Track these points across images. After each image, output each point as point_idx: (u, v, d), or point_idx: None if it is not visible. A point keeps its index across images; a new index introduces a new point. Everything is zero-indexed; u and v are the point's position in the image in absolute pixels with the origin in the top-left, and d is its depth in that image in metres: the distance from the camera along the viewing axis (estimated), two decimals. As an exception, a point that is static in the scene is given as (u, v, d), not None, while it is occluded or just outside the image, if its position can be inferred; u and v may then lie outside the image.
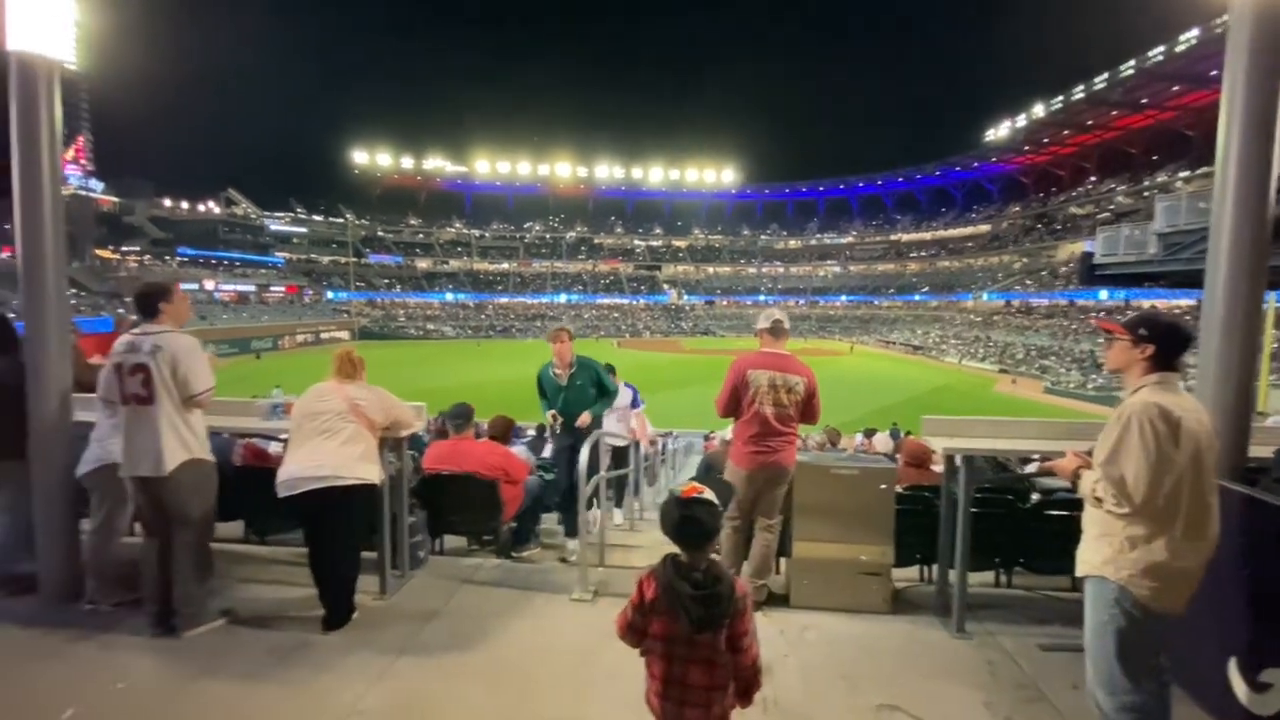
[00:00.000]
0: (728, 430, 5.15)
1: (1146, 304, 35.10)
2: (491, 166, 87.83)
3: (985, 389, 35.64)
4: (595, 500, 4.38)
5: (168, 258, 60.05)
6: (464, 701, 2.66)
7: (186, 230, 65.54)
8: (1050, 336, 44.23)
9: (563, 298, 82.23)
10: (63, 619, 3.19)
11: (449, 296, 79.01)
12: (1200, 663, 2.53)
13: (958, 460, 3.26)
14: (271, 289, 64.82)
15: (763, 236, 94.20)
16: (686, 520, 1.70)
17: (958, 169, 75.14)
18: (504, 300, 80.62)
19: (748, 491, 3.56)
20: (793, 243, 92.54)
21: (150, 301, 3.09)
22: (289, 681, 2.76)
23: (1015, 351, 44.34)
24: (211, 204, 71.13)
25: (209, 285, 56.65)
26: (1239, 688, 2.37)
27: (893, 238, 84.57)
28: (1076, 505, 2.58)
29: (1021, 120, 55.38)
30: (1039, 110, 52.98)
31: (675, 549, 1.76)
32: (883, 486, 3.52)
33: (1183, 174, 43.90)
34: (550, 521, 5.14)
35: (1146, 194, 44.86)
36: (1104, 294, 43.50)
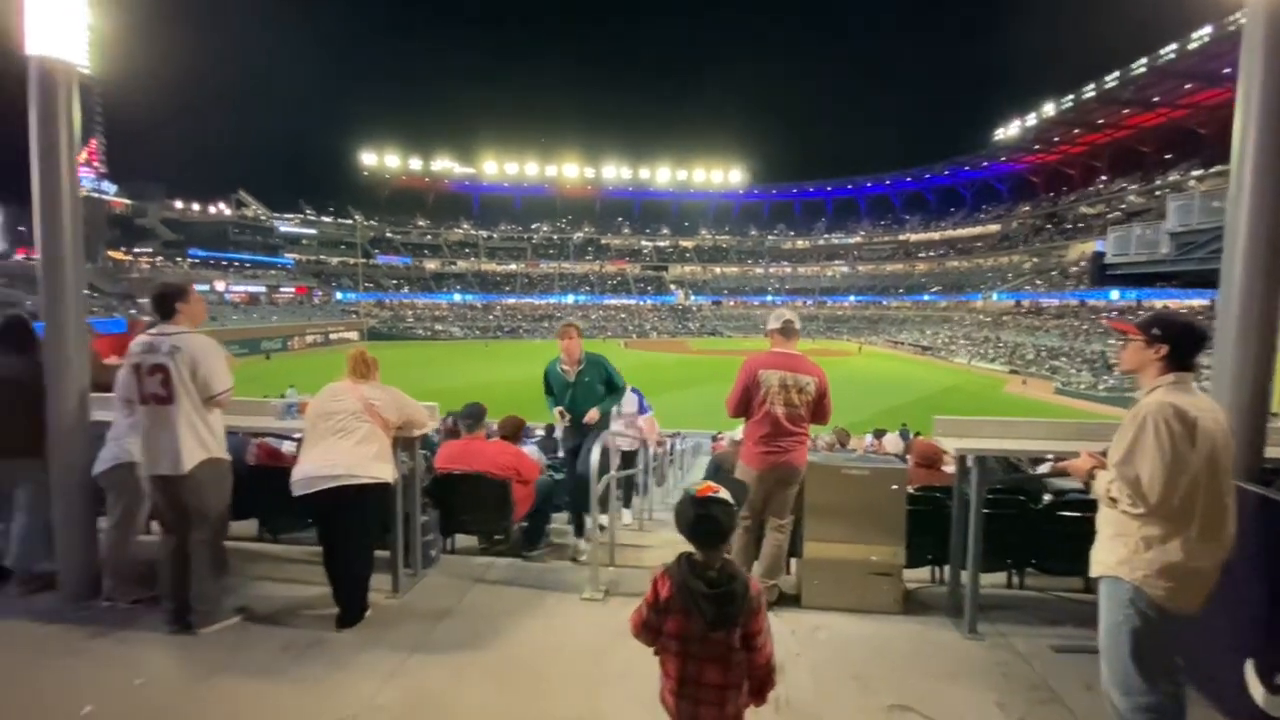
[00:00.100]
0: (737, 430, 5.15)
1: (1159, 304, 34.80)
2: (499, 168, 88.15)
3: (995, 390, 35.41)
4: (605, 503, 4.36)
5: (179, 259, 60.62)
6: (477, 700, 2.68)
7: (197, 232, 66.19)
8: (1061, 337, 43.91)
9: (570, 298, 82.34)
10: (81, 616, 3.24)
11: (457, 297, 79.32)
12: (1216, 664, 2.51)
13: (969, 461, 3.25)
14: (281, 290, 65.31)
15: (770, 237, 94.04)
16: (703, 519, 1.71)
17: (967, 168, 74.78)
18: (511, 301, 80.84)
19: (759, 491, 3.56)
20: (800, 243, 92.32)
21: (166, 302, 3.12)
22: (304, 678, 2.78)
23: (1025, 352, 44.04)
24: (222, 206, 71.78)
25: (219, 286, 57.11)
26: (1255, 689, 2.35)
27: (901, 238, 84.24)
28: (1089, 506, 2.56)
29: (1032, 119, 55.06)
30: (1049, 109, 52.65)
31: (684, 549, 1.77)
32: (894, 487, 3.52)
33: (1195, 173, 43.44)
34: (560, 521, 5.15)
35: (1158, 193, 44.46)
36: (1115, 294, 43.15)
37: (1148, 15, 41.48)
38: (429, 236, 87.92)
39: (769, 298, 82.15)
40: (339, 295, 71.66)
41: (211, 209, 70.68)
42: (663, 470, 9.82)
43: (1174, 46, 40.06)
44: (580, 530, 4.54)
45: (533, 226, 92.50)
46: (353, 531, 3.20)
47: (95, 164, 57.76)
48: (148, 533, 3.62)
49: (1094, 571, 2.20)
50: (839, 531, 3.54)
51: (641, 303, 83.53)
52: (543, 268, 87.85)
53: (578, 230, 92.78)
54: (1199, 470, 1.96)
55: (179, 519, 3.08)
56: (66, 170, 3.32)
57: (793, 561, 3.88)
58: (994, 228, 71.38)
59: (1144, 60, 42.56)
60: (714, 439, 16.51)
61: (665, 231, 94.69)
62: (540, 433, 9.00)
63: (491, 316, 76.96)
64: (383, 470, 3.19)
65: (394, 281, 79.53)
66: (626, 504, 6.53)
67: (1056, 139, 58.61)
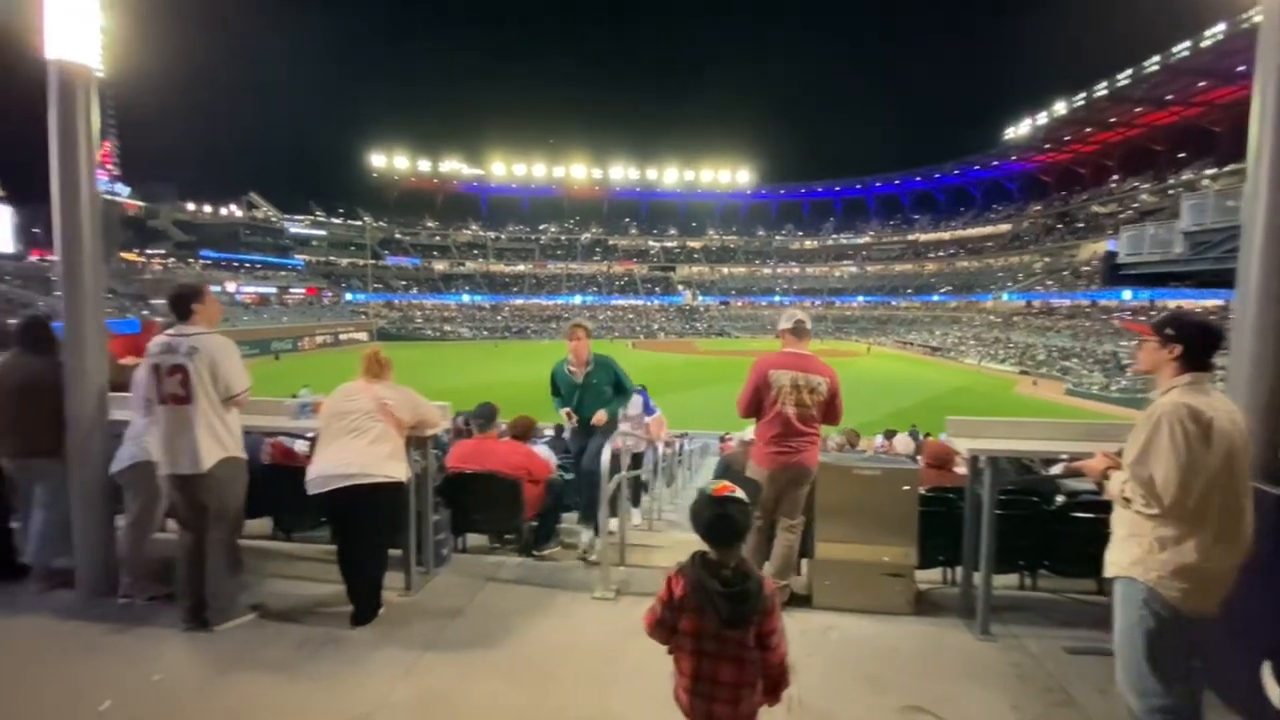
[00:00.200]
0: (746, 431, 5.15)
1: (1172, 304, 34.46)
2: (507, 169, 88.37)
3: (1005, 390, 35.19)
4: (615, 504, 4.34)
5: (191, 260, 61.18)
6: (490, 697, 2.69)
7: (209, 233, 66.81)
8: (1072, 337, 43.59)
9: (578, 299, 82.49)
10: (99, 612, 3.28)
11: (465, 298, 79.66)
12: (1234, 666, 2.49)
13: (982, 461, 3.23)
14: (291, 291, 65.80)
15: (778, 237, 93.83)
16: (720, 519, 1.71)
17: (977, 168, 74.32)
18: (519, 301, 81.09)
19: (770, 491, 3.56)
20: (809, 243, 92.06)
21: (183, 303, 3.16)
22: (318, 675, 2.81)
23: (1036, 353, 43.74)
24: (233, 207, 72.47)
25: (230, 287, 57.57)
26: (1273, 692, 2.33)
27: (910, 238, 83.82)
28: (1102, 507, 2.55)
29: (1043, 118, 54.66)
30: (1060, 108, 52.26)
31: (693, 550, 1.77)
32: (905, 487, 3.51)
33: (1209, 171, 43.03)
34: (570, 520, 5.16)
35: (1171, 192, 44.06)
36: (1127, 294, 42.82)
37: (1160, 13, 41.08)
38: (438, 237, 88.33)
39: (777, 298, 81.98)
40: (348, 296, 72.12)
41: (223, 211, 71.36)
42: (672, 470, 9.82)
43: (1187, 44, 39.69)
44: (588, 523, 4.45)
45: (540, 227, 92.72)
46: (367, 530, 3.22)
47: (108, 166, 58.48)
48: (163, 531, 3.66)
49: (1108, 572, 2.19)
50: (850, 532, 3.53)
51: (649, 303, 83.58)
52: (550, 268, 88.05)
53: (585, 231, 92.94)
54: (1215, 471, 1.95)
55: (196, 517, 3.12)
56: (85, 172, 3.37)
57: (803, 562, 3.88)
58: (1004, 227, 70.92)
59: (1157, 58, 42.18)
60: (721, 439, 16.50)
61: (673, 232, 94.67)
62: (550, 433, 9.02)
63: (500, 317, 77.21)
64: (396, 469, 3.22)
65: (403, 282, 79.94)
66: (635, 503, 6.54)
67: (1068, 138, 58.16)
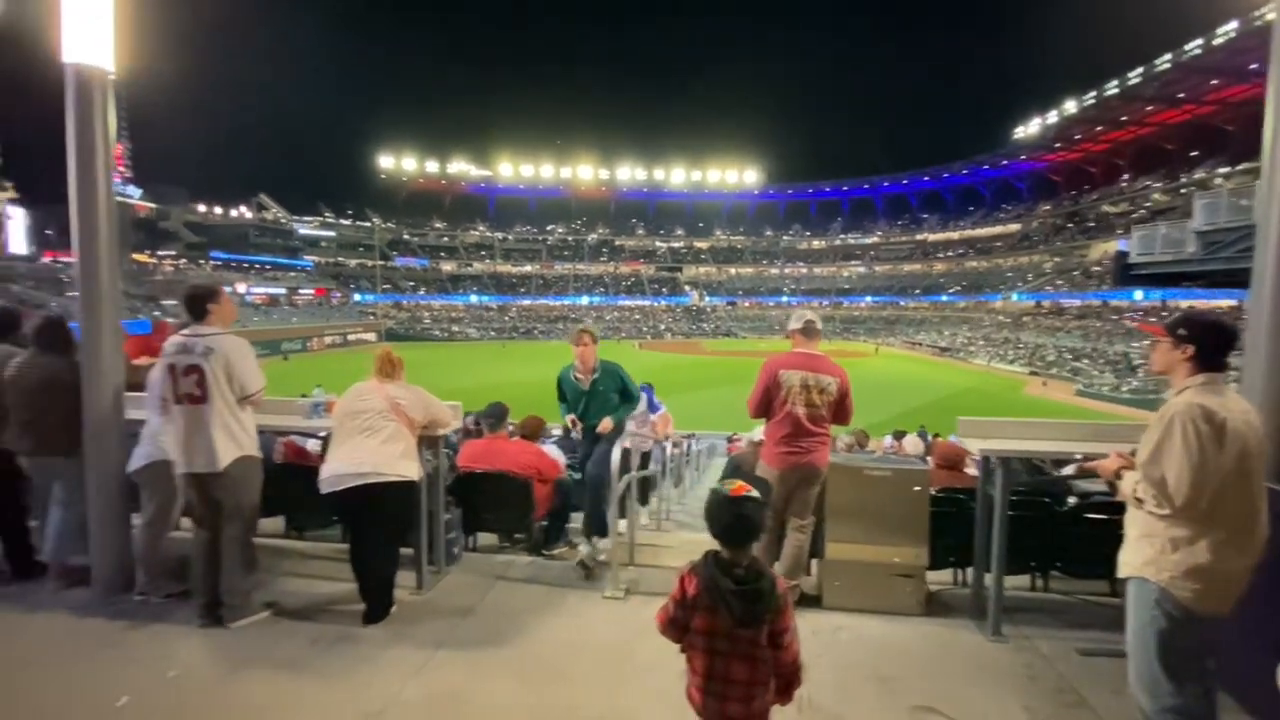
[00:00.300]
0: (755, 431, 5.14)
1: (1184, 304, 34.18)
2: (514, 170, 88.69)
3: (1014, 391, 34.97)
4: (624, 506, 4.31)
5: (201, 261, 61.67)
6: (501, 695, 2.71)
7: (219, 234, 67.35)
8: (1083, 338, 43.26)
9: (585, 299, 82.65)
10: (115, 610, 3.32)
11: (473, 298, 79.96)
12: (1248, 667, 2.48)
13: (994, 462, 3.22)
14: (300, 292, 66.27)
15: (785, 237, 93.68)
16: (738, 519, 1.72)
17: (986, 167, 73.94)
18: (527, 302, 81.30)
19: (780, 492, 3.56)
20: (816, 243, 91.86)
21: (198, 303, 3.19)
22: (331, 672, 2.83)
23: (1046, 353, 43.43)
24: (243, 209, 73.01)
25: (240, 288, 58.00)
26: (1289, 694, 2.31)
27: (919, 237, 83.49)
28: (1115, 509, 2.54)
29: (1053, 117, 54.28)
30: (1071, 106, 51.88)
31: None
32: (916, 488, 3.50)
33: (1222, 170, 42.64)
34: (579, 520, 5.16)
35: (1183, 191, 43.70)
36: (1139, 294, 42.44)
37: (1172, 11, 40.72)
38: (445, 238, 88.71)
39: (784, 298, 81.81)
40: (357, 297, 72.54)
41: (233, 212, 71.95)
42: (679, 470, 9.81)
43: (1199, 42, 39.33)
44: (590, 537, 4.27)
45: (548, 228, 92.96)
46: (379, 529, 3.25)
47: (121, 168, 58.97)
48: (178, 529, 3.70)
49: (1121, 572, 2.18)
50: (861, 533, 3.52)
51: (656, 304, 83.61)
52: (558, 269, 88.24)
53: (592, 232, 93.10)
54: (1228, 472, 1.94)
55: (212, 515, 3.15)
56: (102, 174, 3.41)
57: (813, 562, 3.87)
58: (1014, 227, 70.51)
59: (1168, 56, 41.83)
60: (729, 440, 16.47)
61: (680, 232, 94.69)
62: (558, 432, 9.02)
63: (507, 318, 77.44)
64: (409, 468, 3.24)
65: (411, 283, 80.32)
66: (643, 503, 6.53)
67: (1078, 136, 57.73)
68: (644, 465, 6.40)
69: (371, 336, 60.93)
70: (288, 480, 3.97)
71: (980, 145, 76.64)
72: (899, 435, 13.77)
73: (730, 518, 1.72)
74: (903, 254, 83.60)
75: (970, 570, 3.74)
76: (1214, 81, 42.66)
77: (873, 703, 2.71)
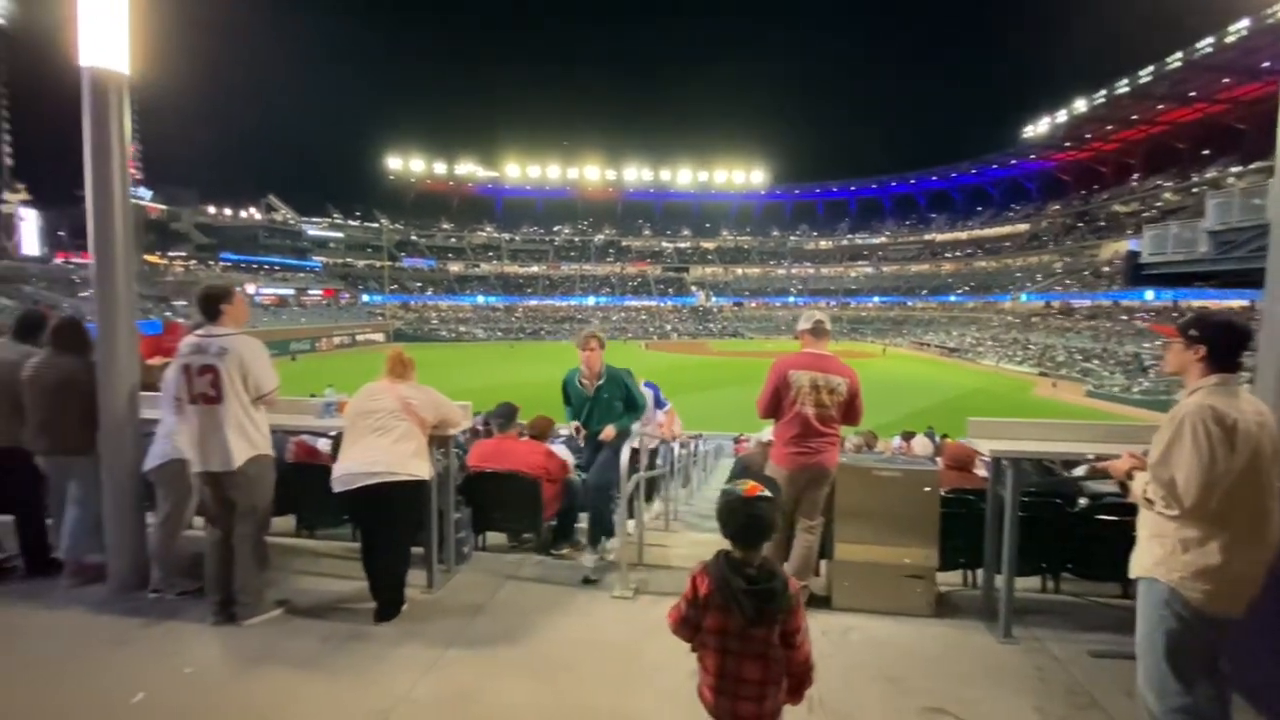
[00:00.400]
0: (764, 432, 5.14)
1: (1196, 304, 33.89)
2: (522, 171, 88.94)
3: (1023, 392, 34.76)
4: (633, 507, 4.29)
5: (212, 262, 62.15)
6: (511, 693, 2.72)
7: (229, 236, 67.86)
8: (1093, 338, 42.96)
9: (591, 300, 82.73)
10: (130, 607, 3.35)
11: (480, 299, 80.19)
12: (1262, 669, 2.46)
13: (1004, 463, 3.21)
14: (309, 292, 66.64)
15: (792, 237, 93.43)
16: (753, 519, 1.73)
17: (995, 167, 73.57)
18: (534, 303, 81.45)
19: (789, 492, 3.55)
20: (823, 243, 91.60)
21: (212, 304, 3.23)
22: (344, 670, 2.85)
23: (1056, 354, 43.15)
24: (253, 210, 73.52)
25: (250, 289, 58.33)
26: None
27: (927, 237, 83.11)
28: (1126, 510, 2.53)
29: (1062, 116, 53.93)
30: (1080, 105, 51.55)
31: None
32: (926, 489, 3.49)
33: (1234, 169, 42.23)
34: (586, 520, 5.17)
35: (1195, 190, 43.33)
36: (1150, 294, 42.11)
37: (1183, 9, 40.38)
38: (453, 239, 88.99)
39: (791, 299, 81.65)
40: (365, 297, 72.89)
41: (242, 213, 72.44)
42: (687, 470, 9.82)
43: (1211, 40, 39.01)
44: (595, 543, 4.23)
45: (555, 229, 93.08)
46: (391, 528, 3.28)
47: (132, 170, 59.22)
48: (190, 528, 3.74)
49: (1131, 572, 2.19)
50: (870, 533, 3.52)
51: (662, 304, 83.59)
52: (564, 270, 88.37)
53: (599, 232, 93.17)
54: (1239, 473, 1.94)
55: (226, 513, 3.19)
56: (118, 176, 3.45)
57: (822, 563, 3.87)
58: (1023, 227, 70.09)
59: (1179, 54, 41.51)
60: (736, 440, 16.45)
61: (686, 233, 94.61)
62: (566, 433, 9.03)
63: (514, 318, 77.62)
64: (420, 468, 3.27)
65: (419, 284, 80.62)
66: (648, 499, 6.49)
67: (1088, 135, 57.35)
68: (650, 463, 6.39)
69: (379, 337, 61.19)
70: (299, 479, 4.00)
71: (989, 145, 76.19)
72: (907, 436, 13.70)
73: (744, 517, 1.73)
74: (910, 254, 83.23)
75: (980, 571, 3.73)
76: (1226, 80, 42.33)
77: (883, 703, 2.71)
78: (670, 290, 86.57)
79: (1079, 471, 4.87)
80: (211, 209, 70.12)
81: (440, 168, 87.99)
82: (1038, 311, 54.46)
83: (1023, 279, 61.01)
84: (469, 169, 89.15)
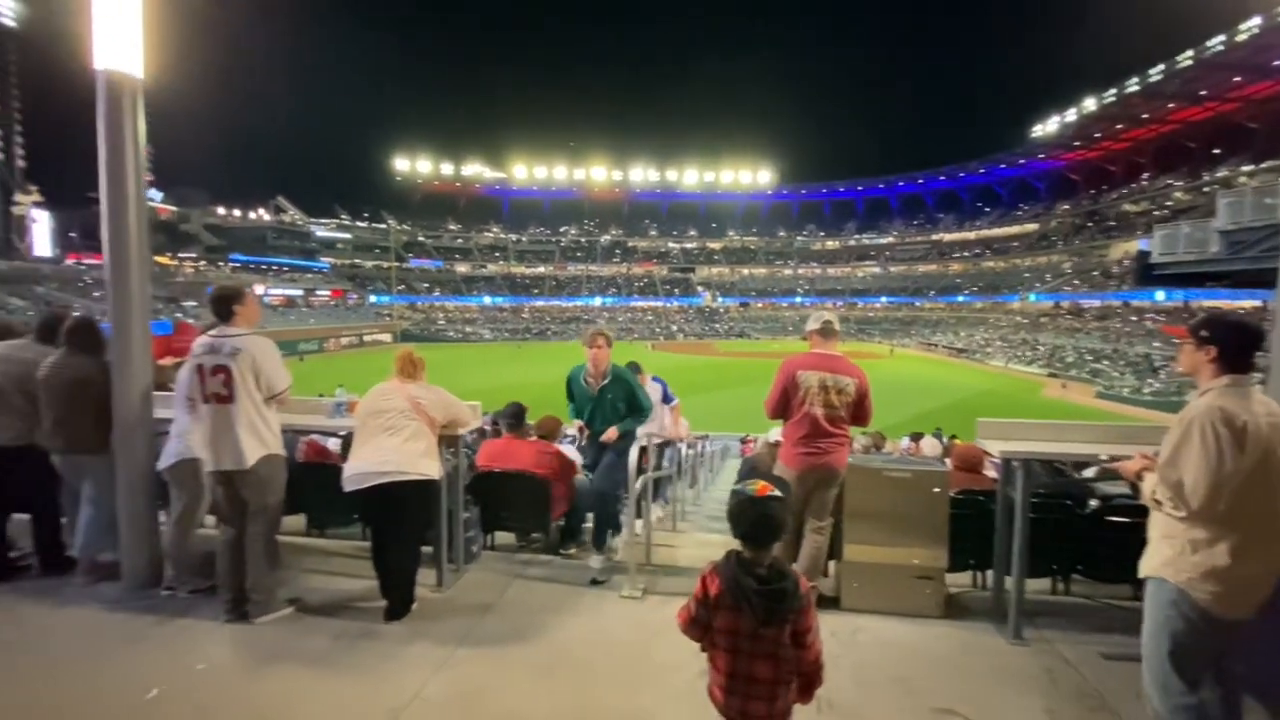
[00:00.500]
0: (772, 433, 5.13)
1: (1207, 305, 33.61)
2: (528, 172, 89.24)
3: (1032, 393, 34.55)
4: (641, 508, 4.27)
5: (221, 263, 62.57)
6: (521, 692, 2.73)
7: (238, 237, 68.33)
8: (1103, 339, 42.65)
9: (598, 300, 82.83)
10: (144, 604, 3.39)
11: (487, 299, 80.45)
12: (1274, 671, 2.44)
13: (1015, 464, 3.20)
14: (317, 293, 67.02)
15: (799, 237, 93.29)
16: (764, 519, 1.73)
17: (1003, 166, 73.23)
18: (540, 303, 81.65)
19: (798, 492, 3.55)
20: (830, 243, 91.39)
21: (225, 305, 3.26)
22: (354, 668, 2.87)
23: (1065, 354, 42.87)
24: (261, 211, 74.00)
25: (259, 290, 58.64)
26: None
27: (935, 237, 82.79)
28: (1137, 512, 2.52)
29: (1071, 115, 53.63)
30: (1090, 104, 51.24)
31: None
32: (936, 490, 3.48)
33: (1246, 168, 41.91)
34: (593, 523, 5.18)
35: (1206, 189, 42.97)
36: (1160, 295, 41.80)
37: (1194, 7, 40.04)
38: (460, 240, 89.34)
39: (798, 299, 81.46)
40: (373, 298, 73.25)
41: (251, 215, 72.92)
42: (694, 472, 9.81)
43: (1222, 38, 38.70)
44: (599, 546, 4.14)
45: (561, 229, 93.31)
46: (401, 527, 3.30)
47: (143, 172, 59.90)
48: (202, 526, 3.77)
49: (1141, 572, 2.19)
50: (880, 534, 3.51)
51: (669, 305, 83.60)
52: (571, 270, 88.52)
53: (605, 233, 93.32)
54: (1248, 475, 1.93)
55: (238, 512, 3.21)
56: (133, 178, 3.48)
57: (831, 564, 3.86)
58: (1032, 226, 69.71)
59: (1190, 52, 41.19)
60: (743, 441, 16.45)
61: (693, 233, 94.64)
62: (572, 433, 9.03)
63: (521, 318, 77.84)
64: (430, 467, 3.29)
65: (426, 284, 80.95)
66: (655, 498, 6.46)
67: (1098, 135, 56.99)
68: (656, 463, 6.36)
69: (387, 337, 61.45)
70: (309, 479, 4.02)
71: (997, 144, 75.84)
72: (916, 437, 13.67)
73: (755, 517, 1.73)
74: (918, 254, 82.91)
75: (989, 573, 3.72)
76: (1237, 78, 41.98)
77: (892, 704, 2.71)
78: (676, 291, 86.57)
79: (1089, 473, 4.85)
80: (221, 210, 70.61)
81: (447, 169, 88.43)
82: (1047, 312, 54.13)
83: (1032, 279, 60.65)
84: (476, 170, 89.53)
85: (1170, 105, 48.37)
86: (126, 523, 3.52)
